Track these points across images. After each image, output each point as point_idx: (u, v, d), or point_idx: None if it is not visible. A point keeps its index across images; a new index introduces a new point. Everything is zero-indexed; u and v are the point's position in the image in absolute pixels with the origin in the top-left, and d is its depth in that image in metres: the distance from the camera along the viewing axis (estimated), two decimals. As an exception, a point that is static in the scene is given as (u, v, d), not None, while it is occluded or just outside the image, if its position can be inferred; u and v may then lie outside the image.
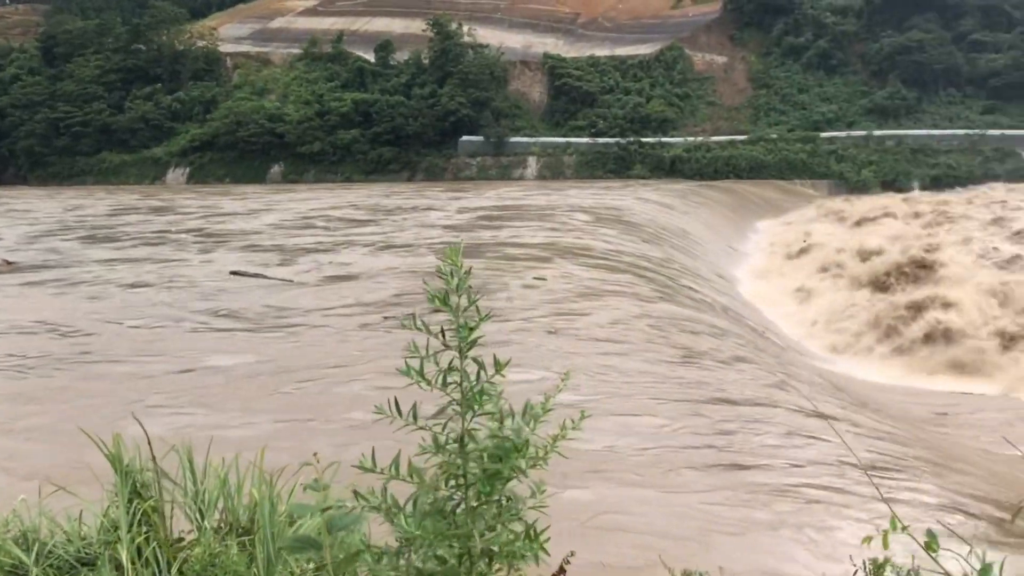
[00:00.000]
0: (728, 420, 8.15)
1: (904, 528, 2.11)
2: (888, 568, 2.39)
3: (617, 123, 79.50)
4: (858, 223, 36.60)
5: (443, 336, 1.56)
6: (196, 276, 18.01)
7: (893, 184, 65.21)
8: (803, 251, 30.46)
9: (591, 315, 13.06)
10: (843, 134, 74.20)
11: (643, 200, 39.73)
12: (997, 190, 54.54)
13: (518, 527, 1.40)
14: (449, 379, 1.55)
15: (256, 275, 17.68)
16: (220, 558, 2.43)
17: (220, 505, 2.98)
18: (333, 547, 1.50)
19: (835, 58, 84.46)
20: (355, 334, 11.80)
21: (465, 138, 79.27)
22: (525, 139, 79.46)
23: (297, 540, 1.62)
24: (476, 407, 1.50)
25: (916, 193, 58.39)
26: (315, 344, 11.26)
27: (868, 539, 2.18)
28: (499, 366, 1.55)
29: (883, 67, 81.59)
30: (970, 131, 71.65)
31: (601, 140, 77.27)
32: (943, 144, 70.98)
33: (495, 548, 1.36)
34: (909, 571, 2.37)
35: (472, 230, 27.63)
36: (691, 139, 76.06)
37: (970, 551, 2.07)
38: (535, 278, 16.29)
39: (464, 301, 1.58)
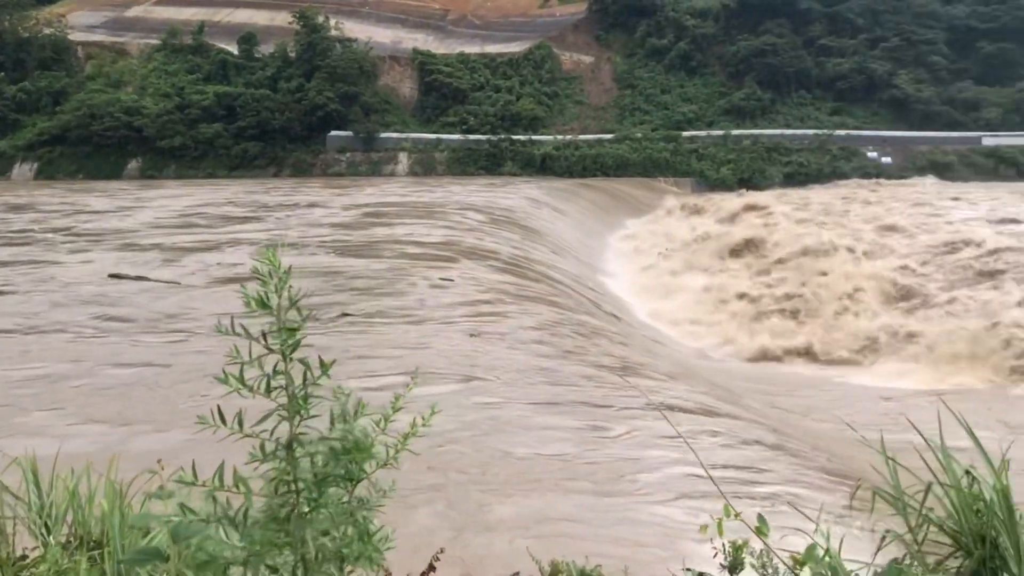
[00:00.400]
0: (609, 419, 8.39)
1: (737, 515, 2.23)
2: (745, 550, 2.52)
3: (488, 120, 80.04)
4: (729, 219, 37.86)
5: (265, 340, 1.54)
6: (72, 279, 16.80)
7: (749, 182, 68.29)
8: (670, 251, 31.55)
9: (514, 319, 13.10)
10: (703, 133, 77.24)
11: (534, 201, 39.90)
12: (864, 187, 58.39)
13: (352, 531, 1.42)
14: (275, 383, 1.53)
15: (138, 277, 16.61)
16: (68, 575, 2.36)
17: (69, 519, 2.88)
18: (181, 557, 1.49)
19: (695, 60, 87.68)
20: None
21: (334, 133, 77.88)
22: (396, 135, 78.84)
23: (139, 552, 1.60)
24: (303, 412, 1.50)
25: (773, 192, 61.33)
26: (206, 351, 10.75)
27: (704, 528, 2.27)
28: (324, 367, 1.56)
29: (740, 69, 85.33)
30: (819, 131, 75.96)
31: (472, 137, 77.61)
32: (795, 143, 74.99)
33: (340, 552, 1.38)
34: (762, 551, 2.52)
35: (364, 227, 27.01)
36: (560, 137, 77.43)
37: (816, 529, 2.20)
38: (441, 279, 16.20)
39: (285, 302, 1.56)
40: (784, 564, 2.28)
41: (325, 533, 1.37)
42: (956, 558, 1.94)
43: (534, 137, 77.06)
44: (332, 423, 1.48)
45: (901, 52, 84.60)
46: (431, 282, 15.91)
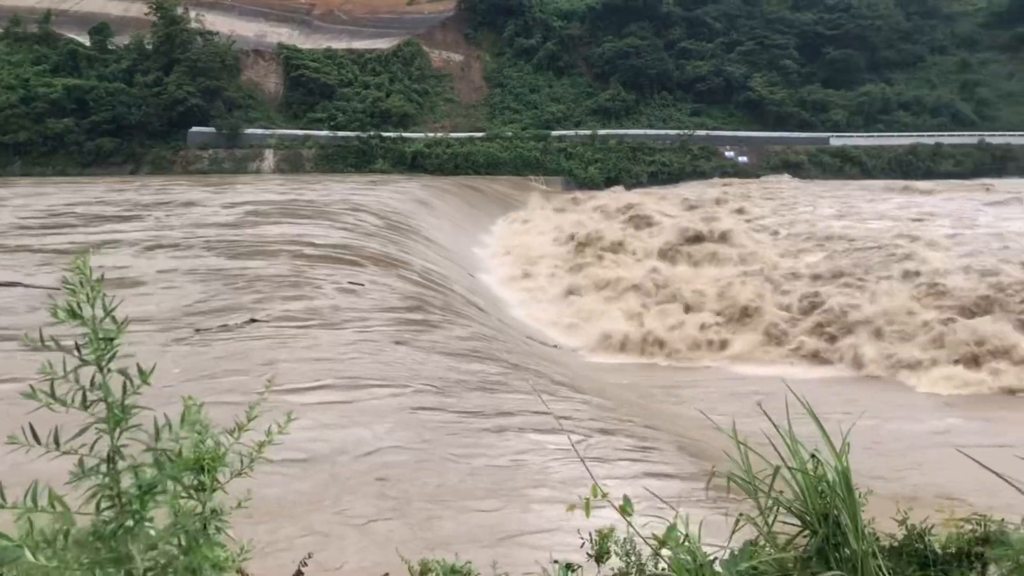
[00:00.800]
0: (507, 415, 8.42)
1: (604, 495, 2.26)
2: (610, 538, 2.57)
3: (357, 117, 78.98)
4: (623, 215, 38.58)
5: (78, 351, 1.46)
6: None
7: (616, 180, 70.07)
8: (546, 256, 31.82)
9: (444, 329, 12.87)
10: (572, 133, 78.72)
11: (423, 204, 39.36)
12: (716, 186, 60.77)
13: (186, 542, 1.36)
14: (92, 396, 1.44)
15: (10, 284, 15.14)
16: None
17: None
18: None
19: (562, 60, 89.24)
20: (163, 351, 10.61)
21: (195, 129, 74.94)
22: (261, 131, 76.62)
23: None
24: (123, 423, 1.42)
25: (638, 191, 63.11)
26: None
27: (571, 507, 2.29)
28: (143, 376, 1.49)
29: (605, 70, 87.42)
30: (681, 131, 78.74)
31: (341, 134, 76.37)
32: (658, 143, 77.50)
33: (167, 567, 1.32)
34: (625, 539, 2.58)
35: (251, 226, 25.86)
36: (431, 135, 77.21)
37: (676, 514, 2.27)
38: (350, 283, 15.75)
39: (99, 311, 1.48)
40: (648, 547, 2.35)
41: (153, 547, 1.31)
42: (804, 537, 2.05)
43: (405, 134, 76.54)
44: (156, 434, 1.42)
45: (755, 56, 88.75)
46: (339, 285, 15.55)
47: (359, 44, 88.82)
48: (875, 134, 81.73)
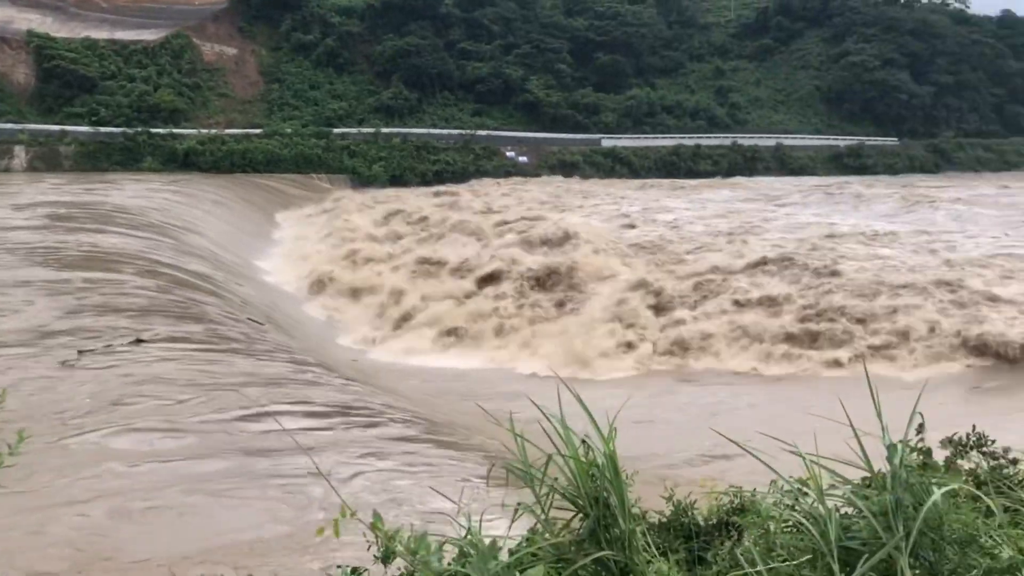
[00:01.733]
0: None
1: (353, 514, 2.22)
2: (397, 539, 2.57)
3: (123, 112, 73.71)
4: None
5: None
6: None
7: (401, 179, 70.02)
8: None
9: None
10: (354, 130, 77.75)
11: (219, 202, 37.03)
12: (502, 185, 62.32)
13: None
14: None
15: None
16: None
17: None
18: None
19: (342, 57, 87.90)
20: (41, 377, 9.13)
21: (-71, 124, 67.07)
22: (10, 126, 69.52)
23: None
24: None
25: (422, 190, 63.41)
26: None
27: (321, 530, 2.24)
28: None
29: (387, 68, 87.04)
30: (463, 131, 79.94)
31: (105, 129, 70.89)
32: (441, 142, 78.27)
33: None
34: (410, 537, 2.60)
35: (67, 233, 22.87)
36: (205, 131, 73.41)
37: (458, 511, 2.30)
38: (250, 319, 14.37)
39: None
40: (433, 543, 2.38)
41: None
42: (579, 520, 2.17)
43: (176, 130, 72.19)
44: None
45: (532, 59, 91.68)
46: (225, 300, 14.33)
47: (123, 35, 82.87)
48: (642, 136, 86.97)
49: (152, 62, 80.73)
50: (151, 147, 69.97)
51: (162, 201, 35.09)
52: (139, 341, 11.08)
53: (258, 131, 74.97)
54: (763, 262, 21.79)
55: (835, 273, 20.16)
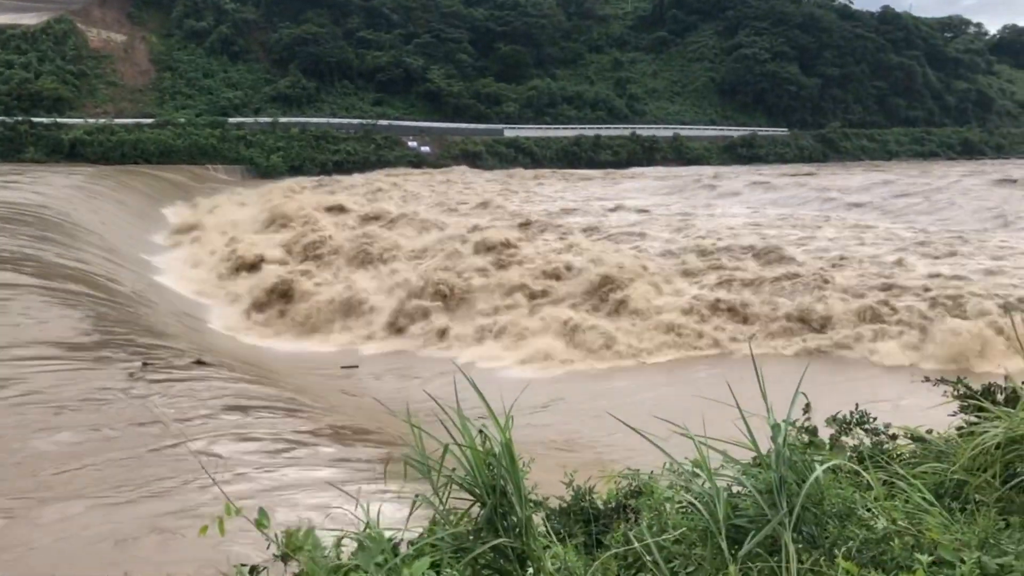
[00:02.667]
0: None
1: (239, 511, 2.17)
2: (297, 537, 2.51)
3: (1, 100, 69.84)
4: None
5: None
6: None
7: (300, 170, 68.58)
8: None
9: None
10: (251, 120, 75.80)
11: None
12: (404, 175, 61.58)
13: None
14: None
15: None
16: None
17: None
18: None
19: (237, 45, 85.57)
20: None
21: None
22: None
23: None
24: None
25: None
26: None
27: (204, 529, 2.17)
28: None
29: (284, 57, 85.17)
30: (364, 121, 78.90)
31: (-20, 119, 67.09)
32: (342, 132, 77.03)
33: None
34: (305, 533, 2.55)
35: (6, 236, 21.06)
36: (93, 121, 70.21)
37: (356, 504, 2.27)
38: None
39: None
40: (331, 538, 2.35)
41: None
42: (477, 509, 2.18)
43: (60, 120, 68.78)
44: None
45: (433, 48, 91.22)
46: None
47: (-1, 18, 78.56)
48: (543, 126, 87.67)
49: (32, 48, 76.66)
50: (34, 137, 66.44)
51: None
52: (146, 364, 10.25)
53: (150, 120, 72.23)
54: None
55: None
